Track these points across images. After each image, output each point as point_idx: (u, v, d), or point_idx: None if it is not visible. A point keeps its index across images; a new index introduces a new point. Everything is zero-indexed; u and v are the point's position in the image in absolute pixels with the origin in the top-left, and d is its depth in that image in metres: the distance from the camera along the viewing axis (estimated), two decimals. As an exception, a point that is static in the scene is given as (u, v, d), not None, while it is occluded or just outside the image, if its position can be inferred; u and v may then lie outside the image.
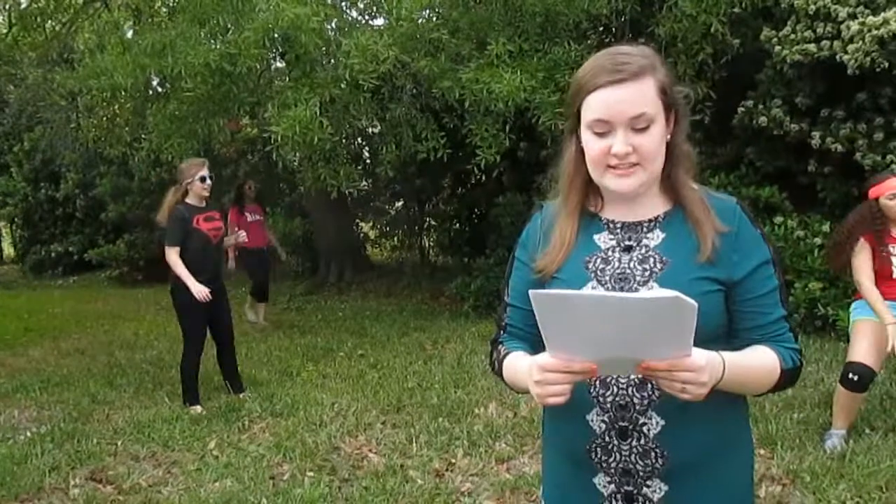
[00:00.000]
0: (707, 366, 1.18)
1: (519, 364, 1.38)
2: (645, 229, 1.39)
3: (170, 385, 5.70)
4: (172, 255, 4.85)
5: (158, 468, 4.06)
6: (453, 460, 3.94)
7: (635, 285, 1.34)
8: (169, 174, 11.96)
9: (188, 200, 4.96)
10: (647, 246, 1.37)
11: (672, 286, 1.26)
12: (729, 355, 1.26)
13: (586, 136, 1.35)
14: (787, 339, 1.37)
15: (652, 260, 1.35)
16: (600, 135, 1.32)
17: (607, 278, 1.36)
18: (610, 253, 1.39)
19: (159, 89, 8.30)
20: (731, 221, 1.36)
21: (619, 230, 1.41)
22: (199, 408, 5.01)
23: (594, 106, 1.32)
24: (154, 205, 12.64)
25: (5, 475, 3.94)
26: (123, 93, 7.27)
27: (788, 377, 1.36)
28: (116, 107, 9.41)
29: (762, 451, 3.79)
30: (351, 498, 3.57)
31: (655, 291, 1.22)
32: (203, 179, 4.94)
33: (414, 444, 4.18)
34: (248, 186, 8.08)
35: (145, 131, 8.34)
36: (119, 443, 4.44)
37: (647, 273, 1.34)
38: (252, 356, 6.61)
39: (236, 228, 7.12)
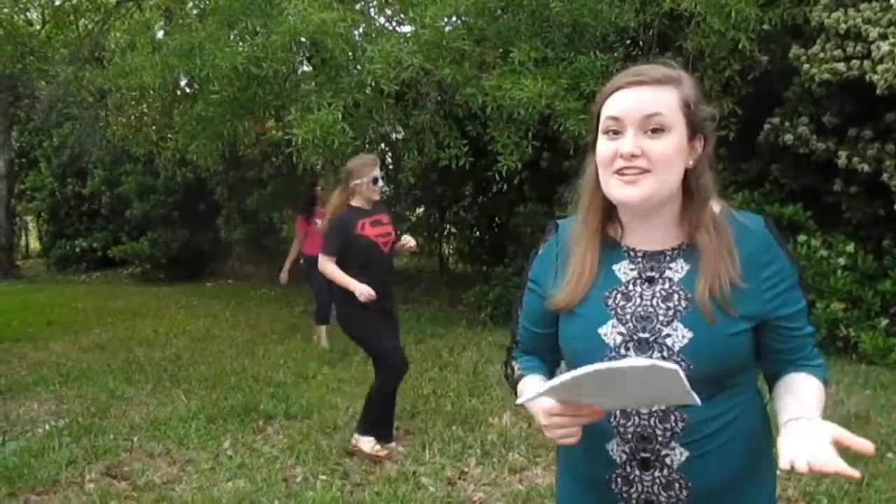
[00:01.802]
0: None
1: (531, 394, 1.38)
2: (668, 258, 1.34)
3: (187, 383, 5.74)
4: (328, 265, 4.12)
5: (173, 466, 4.09)
6: (466, 469, 3.93)
7: (658, 325, 1.30)
8: (194, 174, 12.10)
9: (353, 203, 4.23)
10: (670, 279, 1.32)
11: (697, 327, 1.26)
12: (812, 413, 1.23)
13: (600, 140, 1.32)
14: (814, 355, 1.37)
15: (676, 297, 1.30)
16: (612, 136, 1.29)
17: (628, 317, 1.32)
18: (631, 286, 1.34)
19: (187, 90, 8.40)
20: (759, 253, 1.31)
21: (640, 259, 1.35)
22: (390, 446, 4.21)
23: (610, 104, 1.30)
24: (178, 203, 12.86)
25: (23, 467, 3.99)
26: (152, 92, 7.36)
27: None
28: (144, 106, 9.52)
29: (778, 473, 3.74)
30: (362, 503, 3.57)
31: (633, 360, 1.22)
32: (375, 181, 4.21)
33: (427, 452, 4.18)
34: (321, 187, 7.12)
35: (172, 131, 8.42)
36: (135, 439, 4.48)
37: (670, 312, 1.30)
38: (269, 358, 6.65)
39: (303, 237, 7.01)
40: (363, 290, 3.97)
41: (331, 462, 4.06)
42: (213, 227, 12.79)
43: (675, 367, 1.10)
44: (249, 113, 7.09)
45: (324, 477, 3.87)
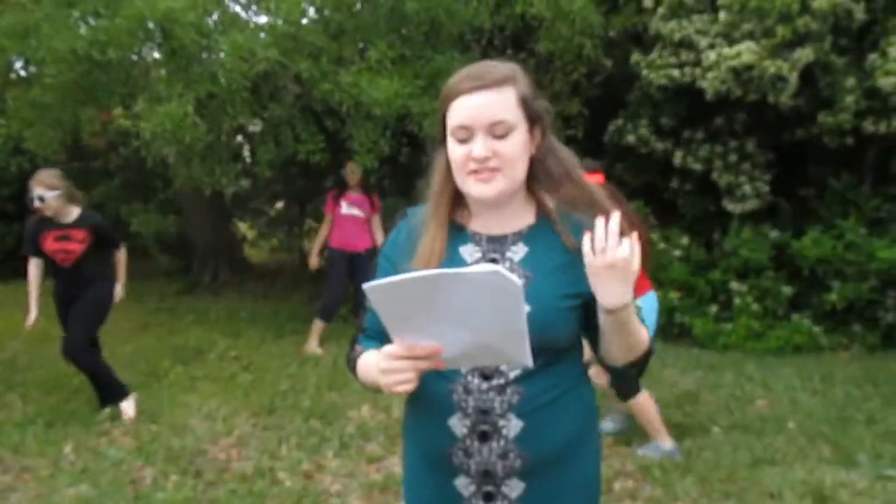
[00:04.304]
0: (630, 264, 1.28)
1: (370, 360, 1.41)
2: (509, 242, 1.45)
3: (23, 387, 5.37)
4: (30, 265, 4.81)
5: (7, 474, 3.82)
6: (323, 462, 3.94)
7: None
8: (31, 164, 11.26)
9: (48, 214, 4.57)
10: (510, 259, 1.43)
11: (535, 300, 1.35)
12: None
13: (450, 143, 1.40)
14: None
15: (516, 274, 1.37)
16: (462, 141, 1.38)
17: None
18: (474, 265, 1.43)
19: (22, 73, 7.79)
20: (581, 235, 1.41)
21: (484, 243, 1.46)
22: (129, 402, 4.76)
23: (456, 112, 1.38)
24: (14, 195, 11.88)
25: None
26: (-20, 75, 6.80)
27: (648, 354, 1.44)
28: (-28, 88, 8.72)
29: (620, 450, 4.02)
30: (216, 501, 3.50)
31: (478, 266, 1.23)
32: (32, 200, 4.54)
33: (284, 447, 4.15)
34: (350, 170, 6.63)
35: (4, 116, 7.78)
36: (-38, 449, 4.14)
37: None
38: (116, 357, 6.29)
39: (332, 219, 6.50)
40: (29, 320, 4.89)
41: (182, 461, 3.94)
42: (53, 222, 11.93)
43: (518, 281, 1.15)
44: (93, 100, 6.67)
45: (175, 477, 3.75)
